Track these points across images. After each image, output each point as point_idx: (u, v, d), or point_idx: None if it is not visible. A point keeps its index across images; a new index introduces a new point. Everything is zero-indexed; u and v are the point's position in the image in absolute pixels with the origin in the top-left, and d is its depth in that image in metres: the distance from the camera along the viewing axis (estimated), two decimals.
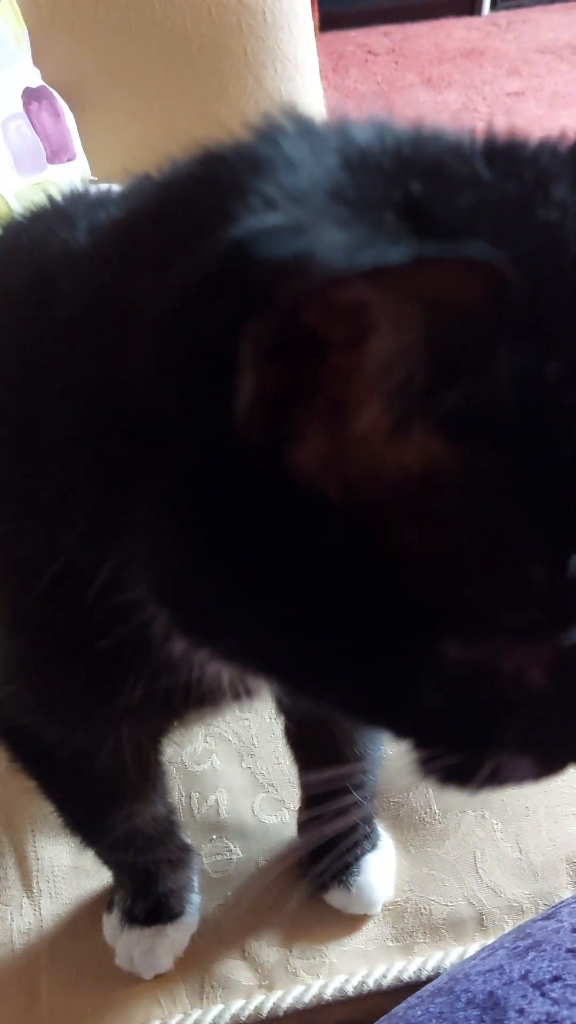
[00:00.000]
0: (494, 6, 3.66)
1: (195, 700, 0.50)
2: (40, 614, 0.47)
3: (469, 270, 0.27)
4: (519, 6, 3.69)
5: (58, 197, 0.56)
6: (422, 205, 0.31)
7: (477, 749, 0.40)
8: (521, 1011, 0.52)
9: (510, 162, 0.36)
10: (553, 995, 0.52)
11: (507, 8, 3.67)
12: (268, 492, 0.34)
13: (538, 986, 0.53)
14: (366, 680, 0.37)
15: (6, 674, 0.57)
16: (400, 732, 0.40)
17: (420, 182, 0.32)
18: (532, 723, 0.38)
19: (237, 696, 0.51)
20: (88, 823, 0.69)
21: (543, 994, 0.52)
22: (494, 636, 0.35)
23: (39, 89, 1.14)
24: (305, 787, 0.76)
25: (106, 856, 0.72)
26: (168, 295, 0.33)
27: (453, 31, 3.49)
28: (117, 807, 0.67)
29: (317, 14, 2.67)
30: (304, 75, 1.30)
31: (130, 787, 0.66)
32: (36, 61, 1.15)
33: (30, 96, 1.11)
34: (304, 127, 0.36)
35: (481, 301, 0.28)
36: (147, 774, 0.67)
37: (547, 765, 0.41)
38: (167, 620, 0.42)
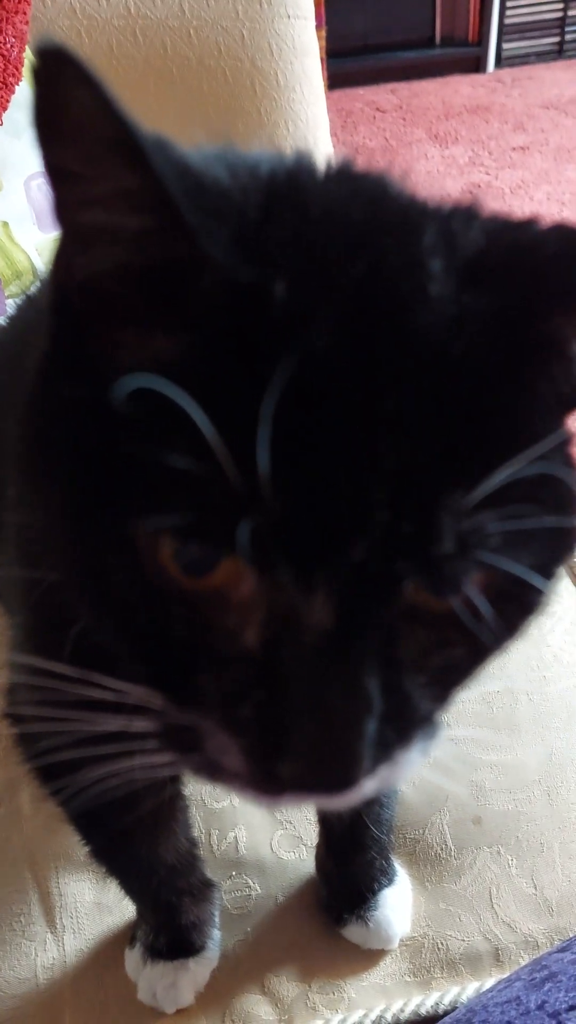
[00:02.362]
0: (499, 63, 3.75)
1: None
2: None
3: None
4: (524, 63, 3.78)
5: None
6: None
7: (182, 698, 0.38)
8: None
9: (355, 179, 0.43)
10: None
11: (512, 65, 3.76)
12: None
13: (555, 1015, 0.54)
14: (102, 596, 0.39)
15: (17, 673, 0.59)
16: (129, 655, 0.40)
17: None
18: (238, 693, 0.37)
19: None
20: (113, 851, 0.71)
21: (560, 1023, 0.53)
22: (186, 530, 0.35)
23: None
24: (323, 823, 0.77)
25: (130, 887, 0.74)
26: None
27: (459, 88, 3.58)
28: (140, 835, 0.68)
29: (326, 73, 2.75)
30: (315, 133, 1.34)
31: (153, 815, 0.68)
32: None
33: None
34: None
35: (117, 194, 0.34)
36: (168, 800, 0.69)
37: (258, 769, 0.37)
38: None
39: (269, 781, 0.37)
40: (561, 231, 0.39)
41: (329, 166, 0.42)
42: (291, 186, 0.40)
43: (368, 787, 0.38)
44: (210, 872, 0.78)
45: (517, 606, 0.40)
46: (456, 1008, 0.70)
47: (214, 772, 0.39)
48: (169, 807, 0.70)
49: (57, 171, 0.35)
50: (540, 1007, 0.55)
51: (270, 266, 0.35)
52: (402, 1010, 0.71)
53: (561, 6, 3.71)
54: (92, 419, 0.37)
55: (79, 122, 0.33)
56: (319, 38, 1.36)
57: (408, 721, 0.39)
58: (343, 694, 0.36)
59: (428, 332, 0.36)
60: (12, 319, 0.81)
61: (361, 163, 0.43)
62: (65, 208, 0.37)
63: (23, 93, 1.03)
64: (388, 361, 0.35)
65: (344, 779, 0.37)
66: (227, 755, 0.38)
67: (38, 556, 0.46)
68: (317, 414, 0.34)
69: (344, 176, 0.42)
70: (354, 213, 0.39)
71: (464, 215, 0.40)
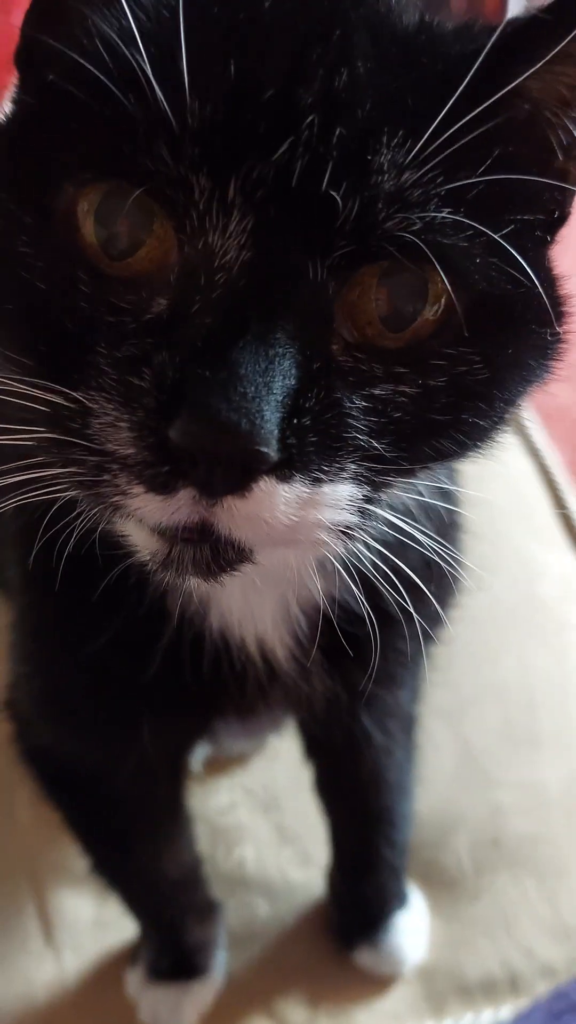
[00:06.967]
0: None
1: (214, 680, 0.51)
2: (41, 572, 0.47)
3: None
4: None
5: None
6: None
7: (76, 379, 0.35)
8: None
9: None
10: None
11: None
12: None
13: None
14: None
15: (16, 662, 0.58)
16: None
17: None
18: (137, 359, 0.34)
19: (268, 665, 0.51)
20: (113, 860, 0.69)
21: None
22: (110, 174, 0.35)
23: None
24: (335, 843, 0.74)
25: (131, 902, 0.71)
26: None
27: None
28: (141, 843, 0.66)
29: None
30: None
31: (153, 819, 0.66)
32: None
33: None
34: None
35: None
36: (170, 805, 0.67)
37: (148, 443, 0.33)
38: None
39: (160, 461, 0.33)
40: None
41: None
42: None
43: (281, 496, 0.34)
44: (215, 890, 0.75)
45: (497, 317, 0.37)
46: None
47: (100, 471, 0.34)
48: (169, 813, 0.67)
49: None
50: None
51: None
52: None
53: None
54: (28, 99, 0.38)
55: None
56: None
57: (335, 436, 0.35)
58: (250, 346, 0.32)
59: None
60: None
61: None
62: None
63: None
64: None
65: (244, 437, 0.32)
66: (115, 436, 0.34)
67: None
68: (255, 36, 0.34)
69: None
70: None
71: None
